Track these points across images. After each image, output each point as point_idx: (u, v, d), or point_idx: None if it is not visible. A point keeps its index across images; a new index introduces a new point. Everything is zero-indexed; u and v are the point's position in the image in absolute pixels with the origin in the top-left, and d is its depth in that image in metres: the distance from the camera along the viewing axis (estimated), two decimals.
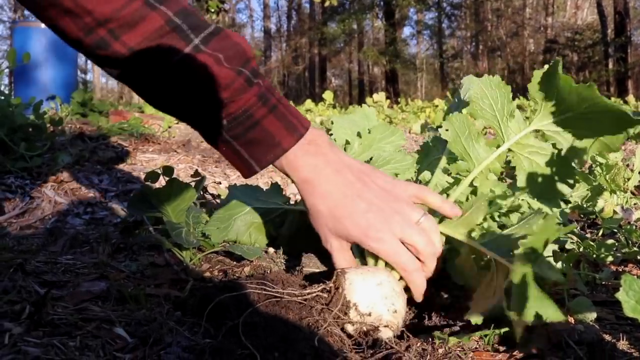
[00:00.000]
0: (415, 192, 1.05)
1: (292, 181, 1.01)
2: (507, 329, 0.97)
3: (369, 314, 0.94)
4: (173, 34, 0.89)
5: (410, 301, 1.15)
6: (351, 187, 0.98)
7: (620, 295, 0.72)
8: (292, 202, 1.44)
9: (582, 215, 2.15)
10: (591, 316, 1.05)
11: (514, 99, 1.18)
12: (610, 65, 23.47)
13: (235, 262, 1.33)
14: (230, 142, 0.97)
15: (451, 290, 1.21)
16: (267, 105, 0.95)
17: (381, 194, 1.00)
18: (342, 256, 1.04)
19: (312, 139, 0.99)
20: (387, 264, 1.04)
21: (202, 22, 0.94)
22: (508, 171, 1.57)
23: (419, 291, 1.03)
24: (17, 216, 1.97)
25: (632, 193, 2.32)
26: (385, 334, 0.95)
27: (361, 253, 1.10)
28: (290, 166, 0.99)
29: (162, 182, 1.55)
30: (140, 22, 0.87)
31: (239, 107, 0.93)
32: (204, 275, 1.26)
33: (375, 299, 0.95)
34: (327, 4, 10.62)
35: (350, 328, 0.94)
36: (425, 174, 1.37)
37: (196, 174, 1.77)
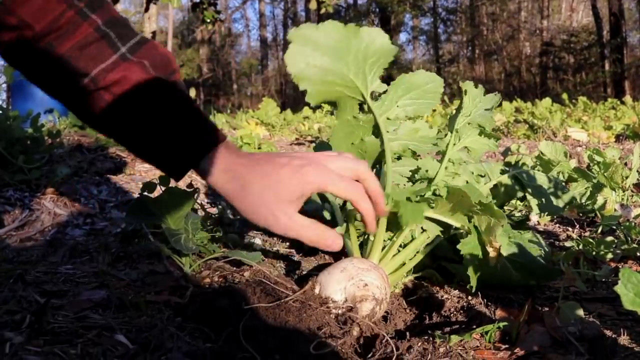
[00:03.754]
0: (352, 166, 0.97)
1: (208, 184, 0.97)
2: (506, 323, 0.98)
3: (345, 299, 1.03)
4: (102, 42, 0.91)
5: (412, 303, 1.14)
6: (269, 166, 0.93)
7: (619, 288, 0.72)
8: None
9: (580, 214, 2.15)
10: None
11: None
12: (607, 67, 23.45)
13: (235, 268, 1.33)
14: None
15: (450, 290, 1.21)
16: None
17: (302, 155, 0.95)
18: (300, 224, 0.94)
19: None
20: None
21: (130, 31, 0.96)
22: None
23: (369, 219, 1.00)
24: (17, 229, 1.97)
25: (632, 190, 2.32)
26: (364, 308, 1.02)
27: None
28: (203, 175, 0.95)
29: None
30: (73, 31, 0.90)
31: None
32: (204, 281, 1.26)
33: (342, 284, 1.04)
34: (322, 11, 10.63)
35: (334, 314, 1.01)
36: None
37: (190, 185, 1.76)
